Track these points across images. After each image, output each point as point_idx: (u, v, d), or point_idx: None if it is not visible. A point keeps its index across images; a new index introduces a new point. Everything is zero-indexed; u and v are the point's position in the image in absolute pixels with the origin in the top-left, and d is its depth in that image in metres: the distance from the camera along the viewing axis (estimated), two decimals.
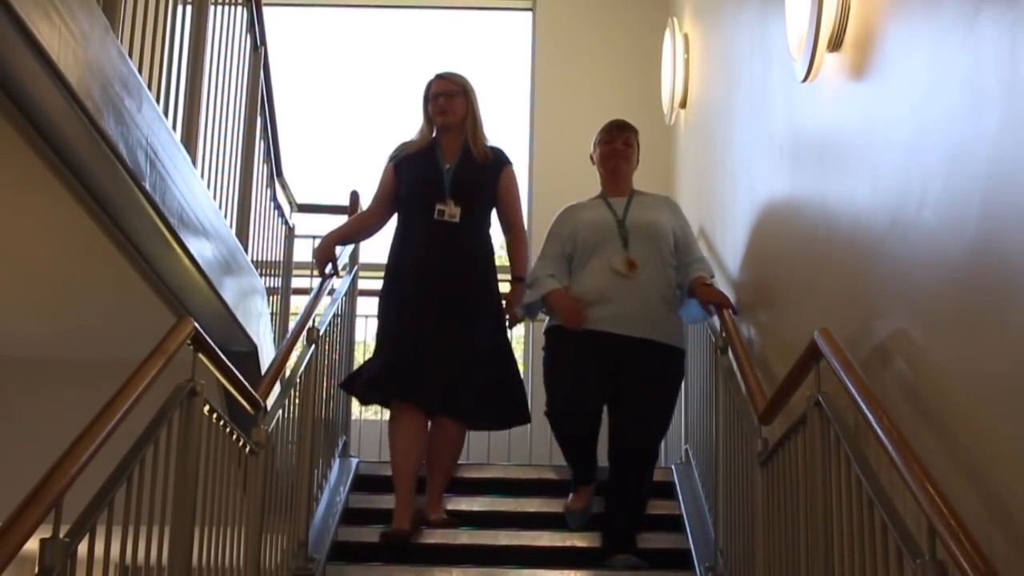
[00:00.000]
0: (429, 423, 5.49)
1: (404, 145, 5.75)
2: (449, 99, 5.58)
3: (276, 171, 6.59)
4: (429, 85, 5.70)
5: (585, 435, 5.31)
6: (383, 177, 5.76)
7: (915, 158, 3.28)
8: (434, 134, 5.70)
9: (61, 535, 2.64)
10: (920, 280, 3.20)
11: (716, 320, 5.31)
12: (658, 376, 5.33)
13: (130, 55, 3.98)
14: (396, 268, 5.54)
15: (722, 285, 5.93)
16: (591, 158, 5.65)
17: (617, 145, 5.56)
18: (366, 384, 5.52)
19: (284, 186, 6.85)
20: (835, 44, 3.97)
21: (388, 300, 5.53)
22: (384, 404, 5.67)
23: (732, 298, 5.39)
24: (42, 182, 3.85)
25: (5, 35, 3.09)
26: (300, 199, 7.38)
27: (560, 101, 8.82)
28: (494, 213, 5.78)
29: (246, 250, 5.84)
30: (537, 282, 5.40)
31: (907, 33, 3.44)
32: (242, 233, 5.85)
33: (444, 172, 5.53)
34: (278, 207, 6.79)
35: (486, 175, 5.60)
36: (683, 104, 7.58)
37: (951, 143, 3.02)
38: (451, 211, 5.41)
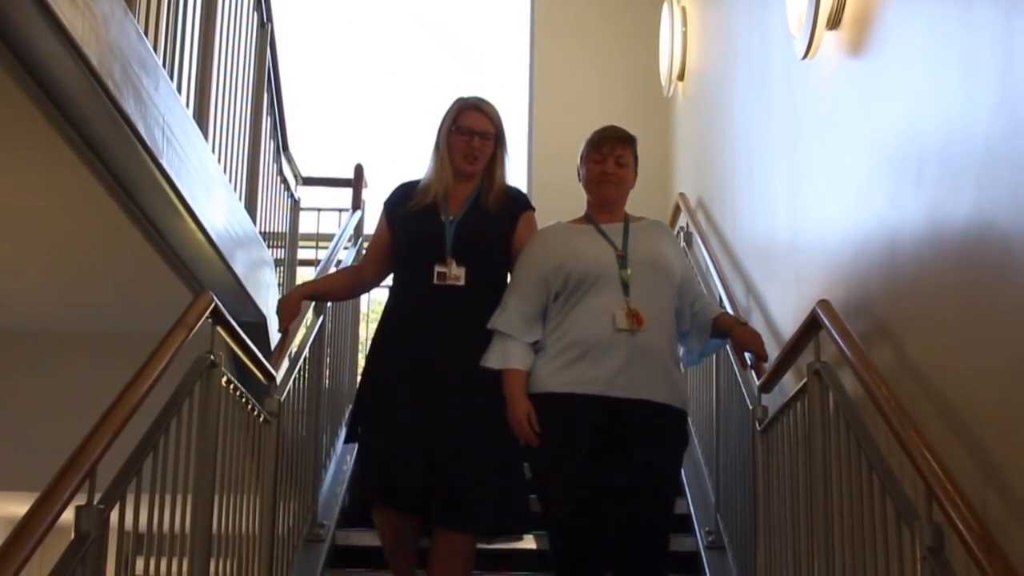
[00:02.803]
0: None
1: (403, 191, 4.44)
2: (483, 143, 4.30)
3: (282, 145, 6.71)
4: (458, 111, 4.34)
5: (588, 557, 4.00)
6: (377, 228, 4.55)
7: (913, 135, 3.39)
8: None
9: (95, 502, 2.76)
10: (917, 254, 3.31)
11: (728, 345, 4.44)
12: (667, 448, 4.08)
13: (145, 34, 4.09)
14: (387, 338, 4.31)
15: (720, 253, 6.05)
16: (578, 174, 4.29)
17: (608, 167, 4.19)
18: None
19: (290, 160, 6.97)
20: (834, 22, 4.07)
21: (374, 377, 4.30)
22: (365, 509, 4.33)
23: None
24: (62, 159, 3.97)
25: (29, 16, 3.20)
26: (305, 172, 7.49)
27: (560, 74, 8.91)
28: None
29: (254, 222, 5.96)
30: (498, 345, 4.11)
31: (904, 11, 3.54)
32: (250, 206, 5.97)
33: (445, 226, 4.24)
34: (284, 180, 6.91)
35: (498, 225, 4.31)
36: (681, 76, 7.68)
37: (947, 120, 3.13)
38: (453, 272, 4.21)
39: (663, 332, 4.05)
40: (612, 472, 3.94)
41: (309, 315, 5.35)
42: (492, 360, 4.07)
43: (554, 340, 4.05)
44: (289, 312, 4.47)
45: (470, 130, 4.27)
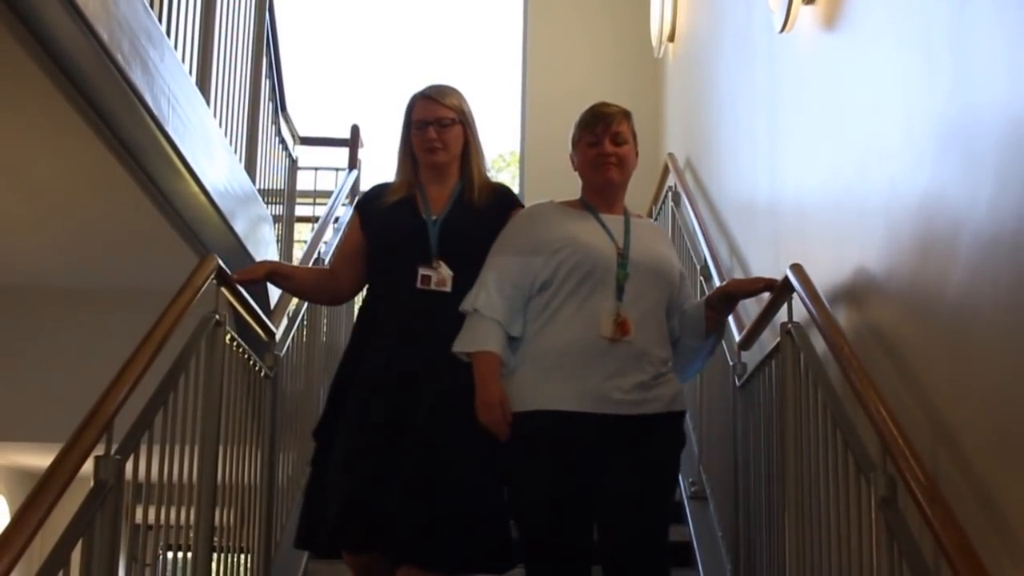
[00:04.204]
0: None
1: (377, 190, 4.03)
2: (442, 131, 3.88)
3: (281, 106, 6.91)
4: (411, 106, 3.94)
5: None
6: (347, 229, 4.14)
7: (879, 107, 3.58)
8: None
9: (112, 453, 2.97)
10: (882, 224, 3.50)
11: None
12: (661, 460, 3.62)
13: (151, 4, 4.27)
14: (362, 353, 3.82)
15: (706, 214, 6.25)
16: (572, 162, 3.80)
17: (605, 148, 3.68)
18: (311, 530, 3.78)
19: (288, 121, 7.17)
20: None
21: (347, 398, 3.80)
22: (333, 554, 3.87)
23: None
24: (72, 127, 4.18)
25: None
26: (303, 133, 7.69)
27: (552, 35, 9.08)
28: None
29: (253, 181, 6.17)
30: (472, 326, 3.60)
31: None
32: (250, 166, 6.19)
33: (430, 225, 3.82)
34: (282, 141, 7.12)
35: (487, 224, 3.83)
36: (671, 38, 7.84)
37: (908, 99, 3.32)
38: (440, 276, 3.73)
39: (652, 334, 3.59)
40: (604, 480, 3.48)
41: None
42: (464, 343, 3.58)
43: (535, 346, 3.55)
44: (251, 272, 4.05)
45: (423, 122, 3.88)
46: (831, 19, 4.08)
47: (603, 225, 3.67)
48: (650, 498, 3.52)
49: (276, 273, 4.05)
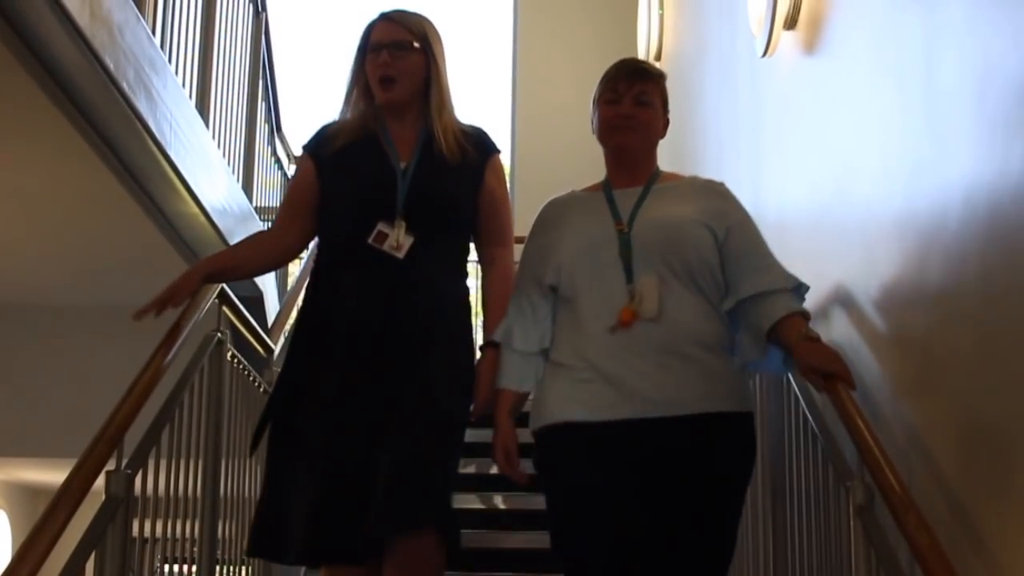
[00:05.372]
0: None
1: (329, 129, 3.37)
2: (397, 55, 3.22)
3: (276, 127, 7.07)
4: (368, 30, 3.31)
5: None
6: (296, 175, 3.44)
7: (857, 134, 3.72)
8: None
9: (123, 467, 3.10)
10: (859, 240, 3.64)
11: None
12: (717, 477, 2.94)
13: (153, 32, 4.42)
14: (311, 333, 3.25)
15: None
16: (591, 124, 3.22)
17: (624, 107, 3.12)
18: (262, 535, 3.19)
19: (283, 140, 7.33)
20: (791, 23, 4.38)
21: (296, 393, 3.21)
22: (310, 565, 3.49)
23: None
24: (77, 151, 4.33)
25: (52, 27, 3.54)
26: (297, 151, 7.84)
27: (541, 49, 9.22)
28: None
29: (250, 199, 6.32)
30: (500, 358, 3.16)
31: (849, 15, 3.86)
32: (247, 185, 6.34)
33: (398, 175, 3.21)
34: (278, 160, 7.28)
35: (461, 177, 3.26)
36: (658, 57, 7.96)
37: (883, 123, 3.46)
38: (398, 238, 3.14)
39: (689, 314, 2.97)
40: (654, 514, 2.88)
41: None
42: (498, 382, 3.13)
43: (555, 352, 3.07)
44: (179, 288, 3.22)
45: (378, 44, 3.23)
46: (811, 45, 4.22)
47: (611, 204, 3.12)
48: (711, 510, 2.92)
49: (213, 274, 3.39)
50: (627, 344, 2.93)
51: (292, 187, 3.41)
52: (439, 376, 3.12)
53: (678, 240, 3.02)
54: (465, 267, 3.35)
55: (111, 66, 3.78)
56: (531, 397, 3.12)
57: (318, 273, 3.28)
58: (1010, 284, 2.58)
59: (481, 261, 3.38)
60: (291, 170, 7.75)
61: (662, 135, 3.24)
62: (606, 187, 3.19)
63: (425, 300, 3.16)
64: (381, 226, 3.14)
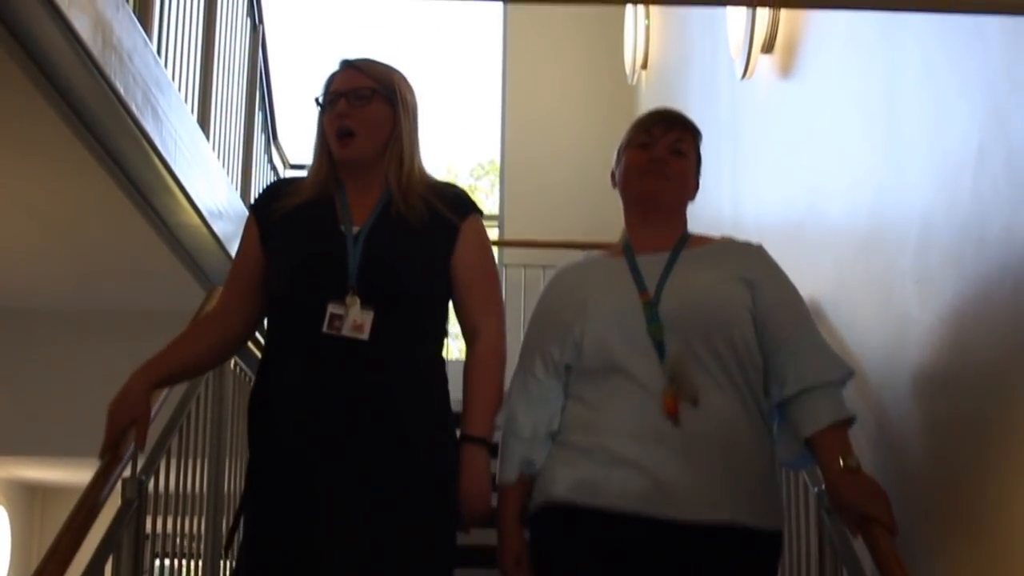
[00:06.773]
0: None
1: (281, 186, 2.95)
2: (357, 105, 2.79)
3: (272, 136, 7.28)
4: (329, 81, 2.89)
5: None
6: (241, 243, 2.92)
7: (827, 155, 3.92)
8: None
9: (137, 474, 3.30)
10: (831, 254, 3.84)
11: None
12: None
13: (158, 52, 4.62)
14: (260, 424, 2.76)
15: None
16: (612, 180, 2.90)
17: (659, 151, 2.79)
18: None
19: (279, 148, 7.55)
20: (768, 47, 4.57)
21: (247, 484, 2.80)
22: None
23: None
24: (84, 166, 4.53)
25: (65, 54, 3.74)
26: (293, 159, 8.10)
27: (530, 60, 9.37)
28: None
29: (247, 204, 6.56)
30: (500, 448, 2.78)
31: (821, 44, 4.06)
32: (245, 192, 6.54)
33: (349, 240, 2.74)
34: (274, 168, 7.50)
35: (425, 239, 2.77)
36: (644, 66, 8.13)
37: (850, 147, 3.67)
38: (355, 319, 2.65)
39: (724, 411, 2.60)
40: None
41: None
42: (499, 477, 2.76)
43: (567, 434, 2.68)
44: (122, 414, 2.72)
45: (335, 93, 2.81)
46: (787, 68, 4.41)
47: (635, 272, 2.74)
48: None
49: (159, 382, 2.83)
50: (661, 431, 2.56)
51: (236, 259, 2.93)
52: (415, 478, 2.64)
53: (713, 317, 2.66)
54: (435, 346, 2.82)
55: (121, 90, 3.98)
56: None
57: (265, 363, 2.78)
58: (961, 310, 2.79)
59: (463, 333, 2.87)
60: (287, 175, 7.98)
61: (692, 197, 2.90)
62: (627, 251, 2.79)
63: (392, 379, 2.67)
64: (332, 308, 2.66)
